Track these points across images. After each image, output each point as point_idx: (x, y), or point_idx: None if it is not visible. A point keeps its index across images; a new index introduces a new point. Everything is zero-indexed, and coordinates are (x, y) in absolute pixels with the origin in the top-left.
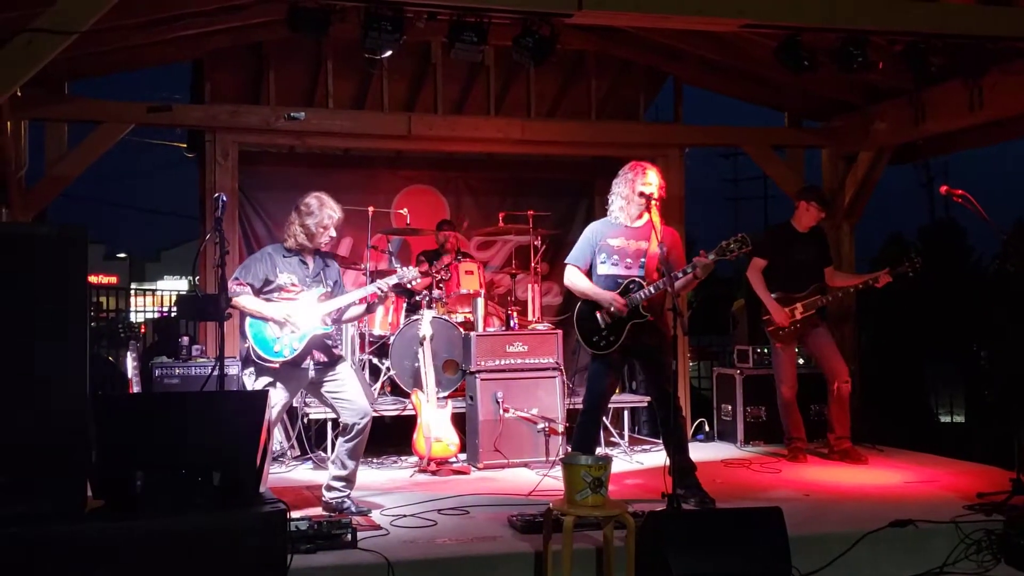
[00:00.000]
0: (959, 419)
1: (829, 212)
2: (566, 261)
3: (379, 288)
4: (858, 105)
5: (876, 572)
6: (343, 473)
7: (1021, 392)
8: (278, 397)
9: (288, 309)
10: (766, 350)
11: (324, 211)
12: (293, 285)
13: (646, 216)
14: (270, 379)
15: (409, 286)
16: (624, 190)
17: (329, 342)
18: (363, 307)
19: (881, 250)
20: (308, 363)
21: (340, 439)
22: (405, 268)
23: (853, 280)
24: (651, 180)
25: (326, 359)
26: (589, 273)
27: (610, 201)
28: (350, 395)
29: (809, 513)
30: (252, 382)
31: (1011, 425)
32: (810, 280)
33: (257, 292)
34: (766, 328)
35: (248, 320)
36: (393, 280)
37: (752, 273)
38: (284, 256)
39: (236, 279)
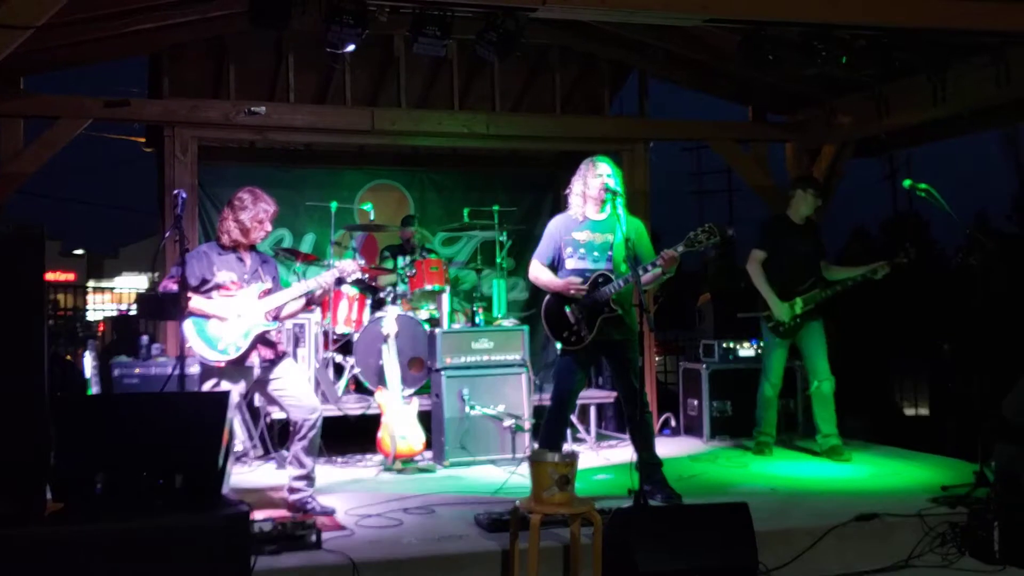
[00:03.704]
0: (923, 412)
1: (826, 200)
2: (533, 257)
3: (319, 283)
4: (822, 99)
5: (842, 565)
6: (302, 472)
7: (984, 385)
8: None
9: (232, 307)
10: (731, 344)
11: (259, 205)
12: (232, 283)
13: (610, 208)
14: (216, 379)
15: (349, 280)
16: (579, 186)
17: (273, 338)
18: (302, 302)
19: (847, 244)
20: (254, 360)
21: (293, 438)
22: (344, 262)
23: (851, 272)
24: (601, 170)
25: (272, 356)
26: (555, 269)
27: (569, 198)
28: (296, 391)
29: (775, 508)
30: (200, 382)
31: (975, 418)
32: (809, 273)
33: (194, 291)
34: (765, 323)
35: (188, 319)
36: (334, 275)
37: (752, 266)
38: (220, 254)
39: (172, 277)
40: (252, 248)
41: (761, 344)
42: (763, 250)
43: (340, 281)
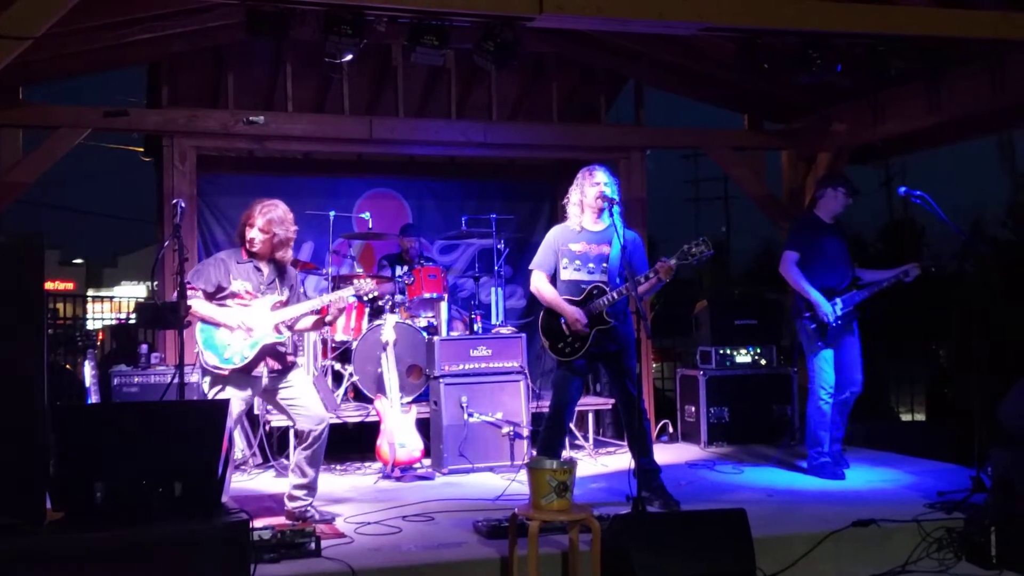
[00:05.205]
0: (920, 417)
1: (857, 198)
2: (531, 267)
3: (333, 299)
4: (817, 106)
5: (839, 571)
6: (304, 481)
7: (981, 391)
8: (232, 405)
9: (242, 316)
10: (728, 350)
11: (252, 208)
12: (247, 292)
13: (607, 219)
14: (221, 386)
15: (366, 298)
16: (576, 196)
17: (283, 349)
18: (315, 318)
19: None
20: (261, 371)
21: (298, 447)
22: (362, 280)
23: (883, 275)
24: (599, 179)
25: (280, 367)
26: (554, 278)
27: (567, 208)
28: (305, 402)
29: (773, 514)
30: (207, 389)
31: (971, 423)
32: (845, 273)
33: (209, 297)
34: (808, 326)
35: (199, 326)
36: (350, 292)
37: (786, 267)
38: (238, 263)
39: (188, 283)
40: (270, 259)
41: (757, 351)
42: (796, 251)
43: (357, 299)
